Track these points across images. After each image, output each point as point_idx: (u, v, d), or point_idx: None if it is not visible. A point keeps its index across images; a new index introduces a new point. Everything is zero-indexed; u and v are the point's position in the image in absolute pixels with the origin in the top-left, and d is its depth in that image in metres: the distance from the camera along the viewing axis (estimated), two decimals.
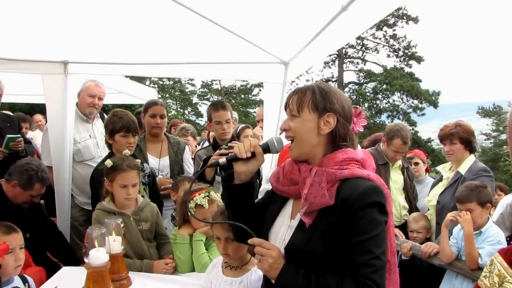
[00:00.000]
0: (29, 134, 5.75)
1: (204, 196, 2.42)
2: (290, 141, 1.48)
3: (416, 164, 4.48)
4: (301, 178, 1.42)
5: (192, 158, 4.68)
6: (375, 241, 1.27)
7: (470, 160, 3.13)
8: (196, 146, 5.48)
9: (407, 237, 3.33)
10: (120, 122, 2.97)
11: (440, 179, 3.37)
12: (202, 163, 3.16)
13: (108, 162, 2.57)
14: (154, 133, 3.44)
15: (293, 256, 1.37)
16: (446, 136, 3.18)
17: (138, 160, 2.75)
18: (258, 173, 3.01)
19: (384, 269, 1.30)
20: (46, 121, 3.71)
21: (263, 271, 1.41)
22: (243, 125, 4.70)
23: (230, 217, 1.63)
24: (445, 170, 3.36)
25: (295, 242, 1.39)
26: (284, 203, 1.55)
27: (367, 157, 1.45)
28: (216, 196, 2.50)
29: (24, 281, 2.17)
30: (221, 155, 2.80)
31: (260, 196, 1.76)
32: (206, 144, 4.62)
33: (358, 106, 1.50)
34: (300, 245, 1.36)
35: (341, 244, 1.29)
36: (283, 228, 1.48)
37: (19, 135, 3.42)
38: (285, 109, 1.51)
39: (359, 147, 1.72)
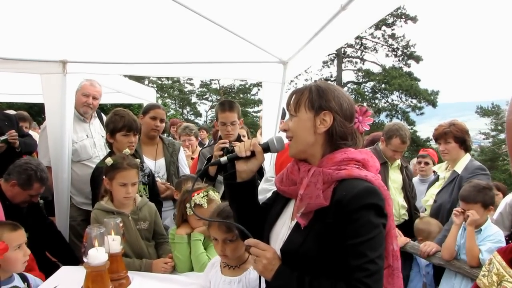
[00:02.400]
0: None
1: (203, 196, 2.42)
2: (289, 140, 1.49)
3: (426, 164, 4.49)
4: (299, 178, 1.41)
5: (191, 158, 4.70)
6: (370, 244, 1.24)
7: (466, 159, 3.14)
8: (196, 146, 5.48)
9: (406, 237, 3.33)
10: (122, 121, 2.97)
11: (437, 179, 3.39)
12: (206, 161, 3.17)
13: (109, 160, 2.57)
14: (152, 135, 3.43)
15: (288, 258, 1.36)
16: (440, 135, 3.20)
17: (138, 160, 2.75)
18: (260, 172, 3.01)
19: (380, 274, 1.26)
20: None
21: (258, 272, 1.40)
22: None
23: (234, 216, 1.64)
24: (441, 170, 3.38)
25: (290, 243, 1.38)
26: (286, 203, 1.54)
27: (369, 157, 1.41)
28: (215, 195, 2.49)
29: (24, 279, 2.17)
30: (222, 149, 2.80)
31: (259, 196, 1.77)
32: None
33: (363, 104, 1.47)
34: (295, 247, 1.34)
35: (336, 247, 1.27)
36: (284, 229, 1.46)
37: (5, 138, 3.41)
38: (287, 109, 1.51)
39: None
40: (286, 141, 1.55)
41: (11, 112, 5.63)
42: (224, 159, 1.56)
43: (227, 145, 2.84)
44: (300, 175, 1.41)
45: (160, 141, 3.53)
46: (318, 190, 1.31)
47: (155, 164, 3.41)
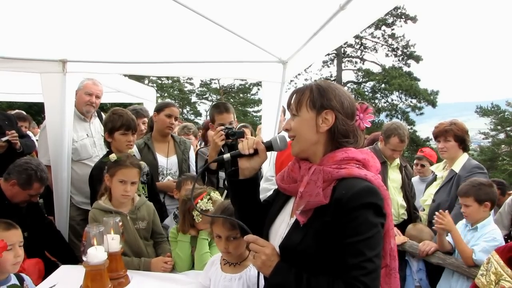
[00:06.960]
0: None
1: (207, 201, 2.44)
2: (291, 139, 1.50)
3: (423, 166, 4.50)
4: (300, 176, 1.42)
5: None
6: (368, 243, 1.25)
7: (463, 158, 3.15)
8: (196, 146, 5.49)
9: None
10: (120, 120, 2.99)
11: (435, 179, 3.39)
12: (207, 158, 3.18)
13: (113, 156, 2.59)
14: (166, 132, 3.54)
15: (287, 254, 1.37)
16: (441, 133, 3.21)
17: (142, 162, 2.77)
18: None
19: (377, 273, 1.27)
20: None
21: (257, 267, 1.42)
22: (241, 124, 4.71)
23: (235, 213, 1.66)
24: (439, 170, 3.38)
25: (289, 240, 1.39)
26: (286, 201, 1.55)
27: (370, 157, 1.42)
28: (216, 195, 2.52)
29: (21, 280, 2.15)
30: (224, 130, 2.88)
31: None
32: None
33: (364, 102, 1.48)
34: (293, 244, 1.35)
35: (334, 245, 1.28)
36: (283, 226, 1.48)
37: (6, 139, 3.43)
38: (288, 109, 1.52)
39: None
40: (289, 140, 1.56)
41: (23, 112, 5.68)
42: (227, 156, 1.57)
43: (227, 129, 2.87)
44: (300, 173, 1.42)
45: (171, 139, 3.63)
46: (318, 188, 1.32)
47: (167, 161, 3.49)
